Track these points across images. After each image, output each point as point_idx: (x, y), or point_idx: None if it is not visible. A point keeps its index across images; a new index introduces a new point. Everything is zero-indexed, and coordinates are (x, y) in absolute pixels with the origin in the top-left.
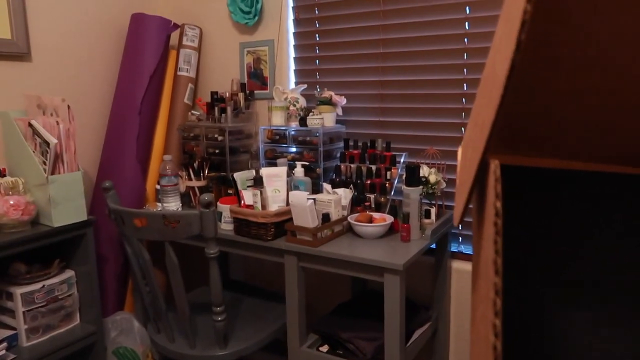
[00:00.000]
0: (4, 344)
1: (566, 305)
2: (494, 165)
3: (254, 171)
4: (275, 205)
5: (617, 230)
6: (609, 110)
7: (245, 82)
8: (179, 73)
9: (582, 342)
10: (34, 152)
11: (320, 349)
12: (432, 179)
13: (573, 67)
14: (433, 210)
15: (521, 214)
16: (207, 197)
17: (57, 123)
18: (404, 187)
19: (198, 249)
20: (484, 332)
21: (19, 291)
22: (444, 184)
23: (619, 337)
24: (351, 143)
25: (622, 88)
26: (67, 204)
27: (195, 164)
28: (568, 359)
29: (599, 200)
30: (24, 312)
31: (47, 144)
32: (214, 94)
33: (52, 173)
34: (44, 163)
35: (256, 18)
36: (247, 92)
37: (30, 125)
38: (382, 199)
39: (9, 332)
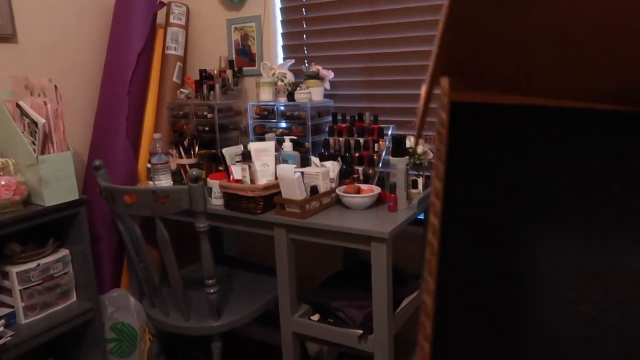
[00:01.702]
0: (2, 321)
1: (534, 244)
2: (443, 82)
3: (242, 146)
4: (264, 179)
5: (589, 166)
6: (575, 44)
7: (234, 59)
8: (167, 52)
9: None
10: (22, 132)
11: (311, 317)
12: (420, 149)
13: None
14: (420, 180)
15: (480, 152)
16: (195, 172)
17: (45, 103)
18: (390, 157)
19: (193, 226)
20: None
21: (14, 270)
22: (431, 155)
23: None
24: (339, 117)
25: (589, 21)
26: (58, 184)
27: (185, 142)
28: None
29: (565, 136)
30: (20, 291)
31: (36, 124)
32: (202, 71)
33: (42, 153)
34: (33, 143)
35: None
36: (236, 69)
37: (18, 106)
38: (371, 171)
39: (7, 310)
